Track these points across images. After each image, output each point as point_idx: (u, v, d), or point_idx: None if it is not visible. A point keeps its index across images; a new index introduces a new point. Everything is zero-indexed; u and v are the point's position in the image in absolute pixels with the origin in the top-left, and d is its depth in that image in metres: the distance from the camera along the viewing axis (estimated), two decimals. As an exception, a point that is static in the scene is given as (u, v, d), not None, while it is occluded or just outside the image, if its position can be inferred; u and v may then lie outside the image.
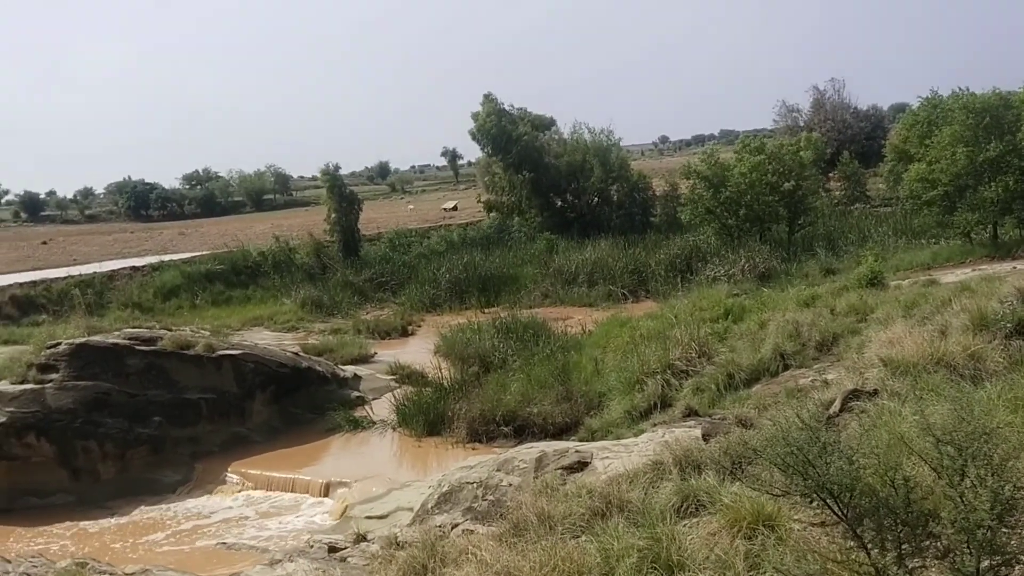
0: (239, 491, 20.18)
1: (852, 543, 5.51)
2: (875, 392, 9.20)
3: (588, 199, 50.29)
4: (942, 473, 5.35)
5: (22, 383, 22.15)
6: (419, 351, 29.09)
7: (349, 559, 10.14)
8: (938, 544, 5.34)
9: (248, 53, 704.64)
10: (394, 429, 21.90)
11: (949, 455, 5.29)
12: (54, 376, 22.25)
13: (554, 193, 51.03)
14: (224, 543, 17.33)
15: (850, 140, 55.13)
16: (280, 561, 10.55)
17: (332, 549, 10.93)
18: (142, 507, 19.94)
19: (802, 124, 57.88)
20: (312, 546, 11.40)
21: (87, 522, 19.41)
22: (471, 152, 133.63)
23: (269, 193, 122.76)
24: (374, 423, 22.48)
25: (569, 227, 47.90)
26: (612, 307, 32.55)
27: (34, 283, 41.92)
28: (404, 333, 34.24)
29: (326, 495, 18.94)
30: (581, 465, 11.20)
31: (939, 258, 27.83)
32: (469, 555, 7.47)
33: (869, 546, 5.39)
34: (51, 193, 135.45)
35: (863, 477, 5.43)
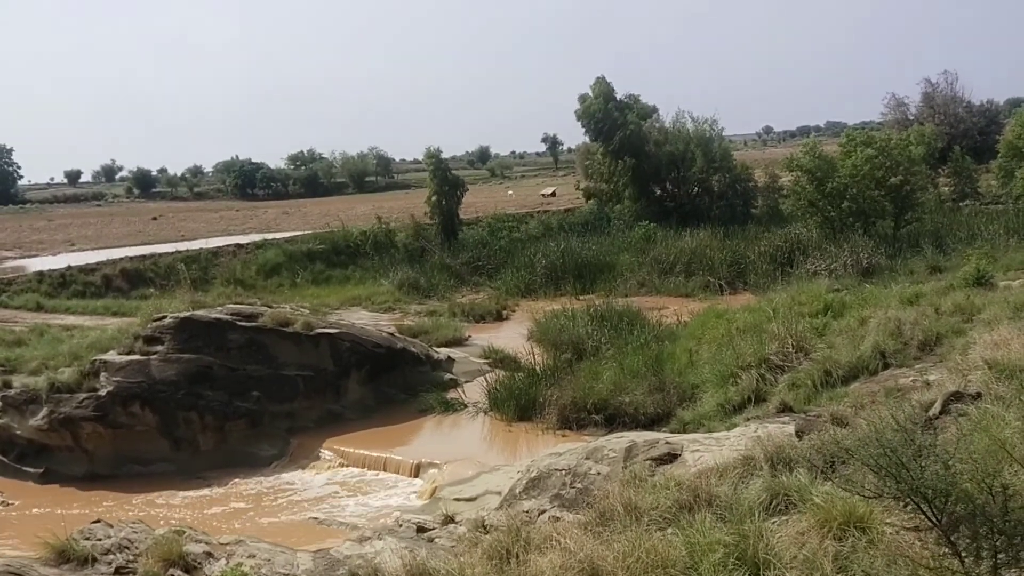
0: (332, 468, 20.54)
1: (946, 550, 5.35)
2: (978, 395, 8.88)
3: (688, 189, 49.76)
4: (1045, 482, 5.16)
5: (129, 354, 22.88)
6: (513, 336, 29.18)
7: (436, 540, 10.20)
8: (1037, 555, 5.15)
9: (353, 36, 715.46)
10: (485, 413, 22.03)
11: (1053, 464, 5.10)
12: (159, 348, 22.89)
13: (654, 182, 50.60)
14: (316, 518, 17.65)
15: (962, 135, 53.31)
16: (369, 539, 10.64)
17: (420, 529, 11.00)
18: (238, 479, 20.46)
19: (911, 117, 56.12)
20: (401, 525, 11.48)
21: (186, 491, 20.01)
22: (571, 139, 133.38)
23: (371, 175, 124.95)
24: (466, 406, 22.64)
25: (668, 216, 47.39)
26: (709, 298, 32.15)
27: (143, 257, 43.59)
28: (498, 317, 34.43)
29: (416, 475, 19.17)
30: (671, 457, 11.10)
31: (1053, 259, 26.43)
32: (553, 542, 7.47)
33: (963, 554, 5.23)
34: (162, 170, 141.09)
35: (959, 482, 5.27)
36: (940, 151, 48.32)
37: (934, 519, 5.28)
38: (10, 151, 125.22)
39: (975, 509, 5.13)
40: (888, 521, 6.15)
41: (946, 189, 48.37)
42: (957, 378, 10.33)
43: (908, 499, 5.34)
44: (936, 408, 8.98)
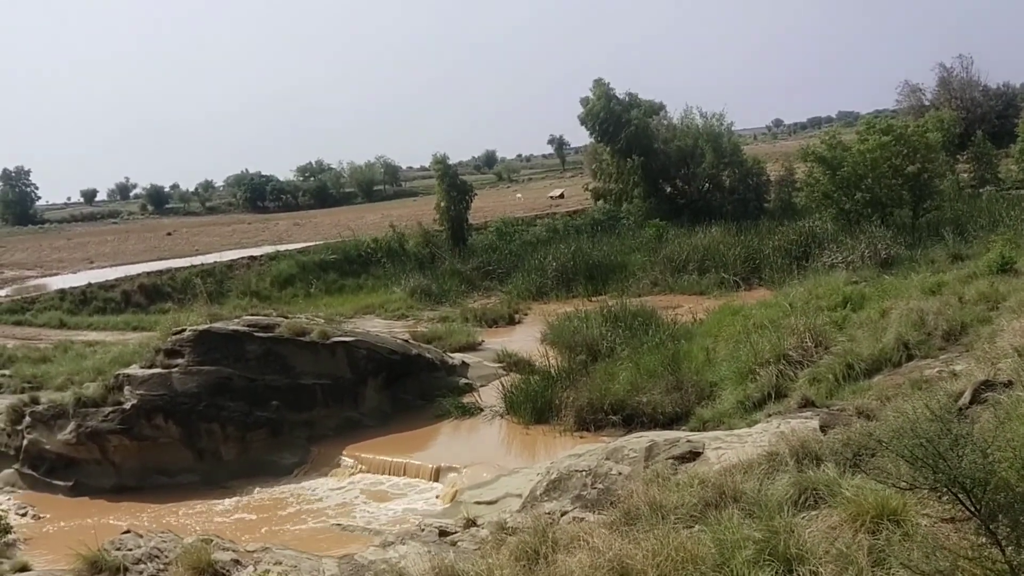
0: (353, 474, 20.55)
1: (985, 540, 5.24)
2: (1009, 383, 8.74)
3: (699, 185, 49.29)
4: (1086, 468, 5.03)
5: (151, 367, 23.12)
6: (526, 339, 29.10)
7: (459, 543, 10.19)
8: (1079, 543, 5.02)
9: (357, 47, 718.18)
10: (502, 416, 21.95)
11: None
12: (179, 361, 23.05)
13: (663, 179, 50.28)
14: (338, 524, 17.68)
15: (980, 119, 52.43)
16: (392, 544, 10.67)
17: (443, 533, 11.02)
18: (261, 487, 20.57)
19: (927, 103, 55.42)
20: (423, 529, 11.50)
21: (211, 501, 20.17)
22: (578, 139, 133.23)
23: (379, 184, 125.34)
24: (482, 410, 22.58)
25: (679, 213, 47.14)
26: (724, 295, 31.95)
27: (160, 272, 44.13)
28: (511, 321, 34.29)
29: (436, 480, 19.14)
30: (693, 455, 11.02)
31: (1078, 243, 25.94)
32: (581, 541, 7.40)
33: (1004, 543, 5.10)
34: (175, 186, 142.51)
35: (998, 471, 5.15)
36: (958, 136, 47.66)
37: (973, 509, 5.16)
38: (27, 172, 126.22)
39: (1015, 497, 5.00)
40: (923, 513, 6.05)
41: (965, 175, 47.68)
42: (986, 367, 10.18)
43: (945, 489, 5.21)
44: (966, 398, 8.85)
